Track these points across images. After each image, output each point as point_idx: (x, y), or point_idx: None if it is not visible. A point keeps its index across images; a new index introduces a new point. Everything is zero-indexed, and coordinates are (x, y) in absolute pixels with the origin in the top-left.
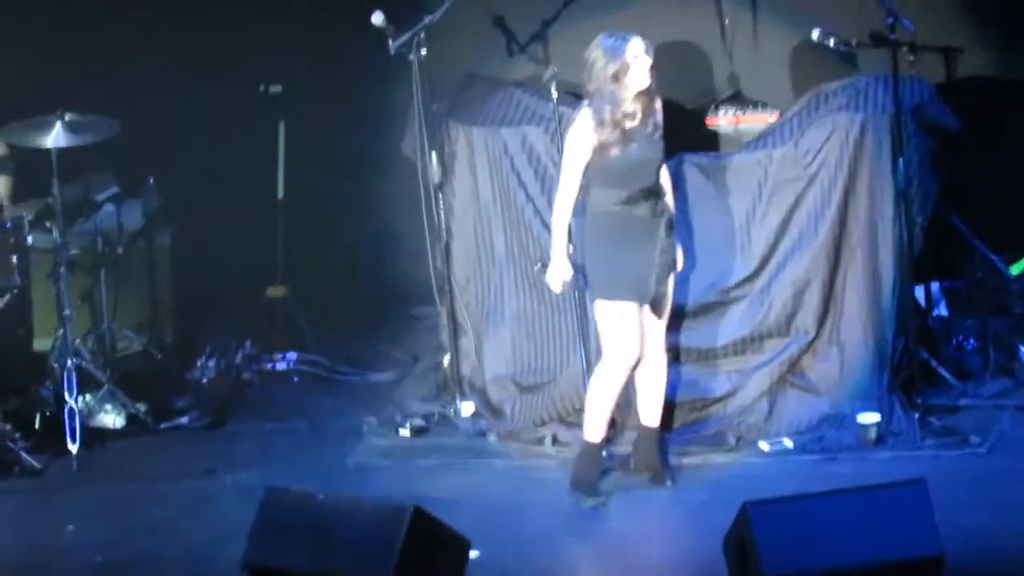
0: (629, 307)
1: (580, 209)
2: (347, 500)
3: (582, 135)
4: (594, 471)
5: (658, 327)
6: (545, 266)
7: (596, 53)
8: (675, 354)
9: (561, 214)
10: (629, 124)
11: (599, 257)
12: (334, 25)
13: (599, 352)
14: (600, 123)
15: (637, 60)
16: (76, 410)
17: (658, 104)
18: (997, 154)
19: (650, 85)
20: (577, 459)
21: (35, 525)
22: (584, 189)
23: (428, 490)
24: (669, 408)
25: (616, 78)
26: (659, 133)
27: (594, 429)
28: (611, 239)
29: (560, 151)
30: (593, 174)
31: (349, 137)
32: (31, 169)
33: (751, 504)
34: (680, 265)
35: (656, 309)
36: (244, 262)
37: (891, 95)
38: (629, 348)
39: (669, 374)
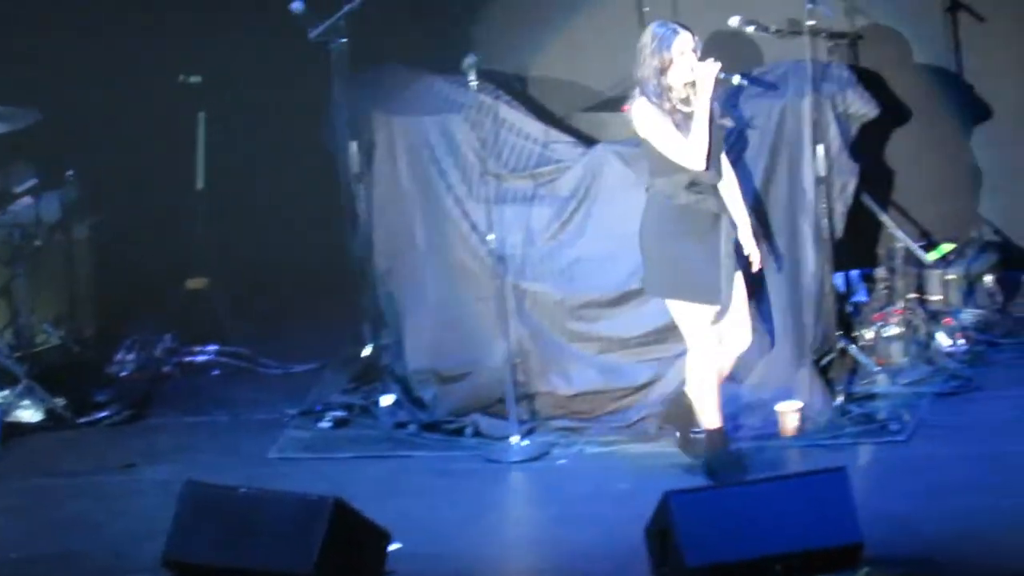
0: (700, 306)
1: (652, 197)
2: (268, 493)
3: (651, 111)
4: (725, 451)
5: (737, 321)
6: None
7: (645, 41)
8: (596, 343)
9: (697, 142)
10: (685, 108)
11: (663, 253)
12: (254, 14)
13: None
14: (659, 108)
15: (683, 56)
16: None
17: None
18: (918, 140)
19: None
20: (707, 448)
21: None
22: (652, 176)
23: (349, 482)
24: (591, 396)
25: (661, 71)
26: (719, 119)
27: (710, 416)
28: (676, 233)
29: (478, 139)
30: (656, 161)
31: (269, 127)
32: None
33: (672, 493)
34: (756, 264)
35: (724, 307)
36: (164, 254)
37: (810, 81)
38: (708, 340)
39: (590, 364)
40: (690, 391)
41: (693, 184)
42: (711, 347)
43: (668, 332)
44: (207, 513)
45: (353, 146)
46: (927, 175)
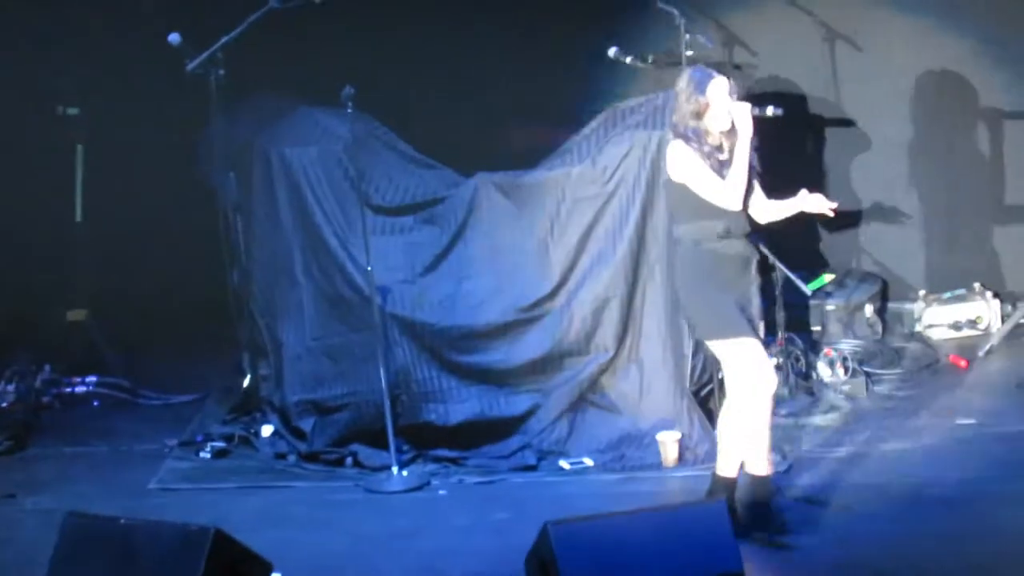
0: (746, 341)
1: (675, 243)
2: (148, 524)
3: (690, 156)
4: (768, 502)
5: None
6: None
7: (681, 85)
8: (476, 374)
9: (734, 183)
10: (720, 157)
11: (701, 298)
12: (131, 45)
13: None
14: (698, 151)
15: (718, 101)
16: None
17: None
18: (797, 171)
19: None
20: (750, 495)
21: None
22: (677, 222)
23: (230, 512)
24: (470, 427)
25: (697, 115)
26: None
27: (727, 465)
28: (710, 278)
29: (356, 170)
30: (686, 205)
31: (147, 158)
32: None
33: (552, 523)
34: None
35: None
36: (43, 285)
37: None
38: (762, 379)
39: (469, 394)
40: (722, 436)
41: (724, 231)
42: (762, 387)
43: (547, 363)
44: (88, 544)
45: (231, 177)
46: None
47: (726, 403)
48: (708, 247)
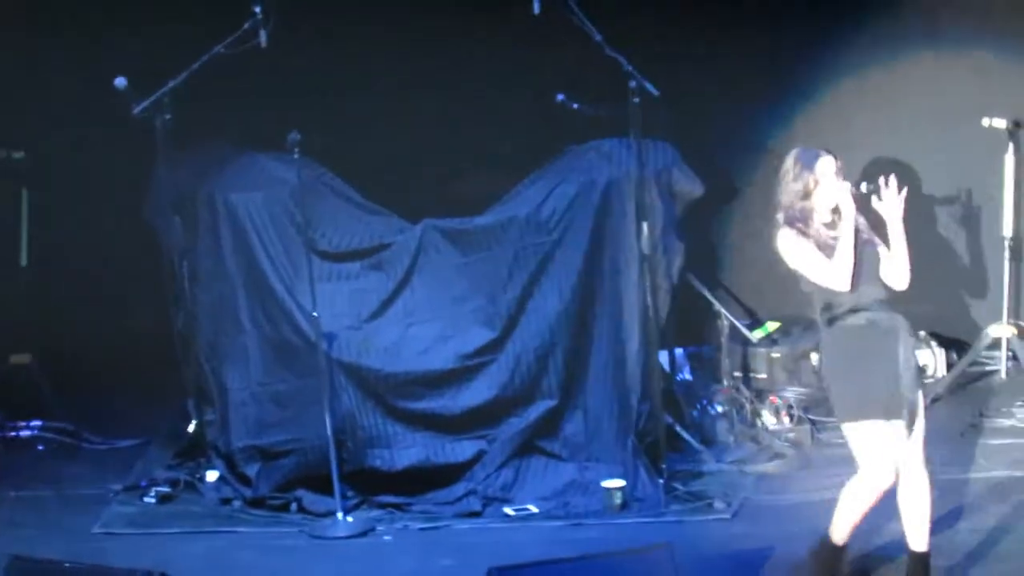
0: (877, 425)
1: (822, 327)
2: (93, 568)
3: (796, 242)
4: (834, 571)
5: (915, 441)
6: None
7: (787, 166)
8: (421, 420)
9: (841, 262)
10: (832, 233)
11: (840, 376)
12: (77, 89)
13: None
14: (802, 233)
15: (825, 178)
16: None
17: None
18: (742, 219)
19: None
20: (821, 555)
21: None
22: (818, 306)
23: (174, 558)
24: (416, 473)
25: (805, 194)
26: (868, 236)
27: (840, 531)
28: (850, 355)
29: (302, 216)
30: (817, 291)
31: (93, 203)
32: None
33: (496, 569)
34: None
35: (908, 421)
36: None
37: (635, 158)
38: (885, 468)
39: (415, 441)
40: (842, 503)
41: (852, 306)
42: (885, 478)
43: (492, 409)
44: None
45: (177, 222)
46: (752, 254)
47: (856, 477)
48: (849, 323)
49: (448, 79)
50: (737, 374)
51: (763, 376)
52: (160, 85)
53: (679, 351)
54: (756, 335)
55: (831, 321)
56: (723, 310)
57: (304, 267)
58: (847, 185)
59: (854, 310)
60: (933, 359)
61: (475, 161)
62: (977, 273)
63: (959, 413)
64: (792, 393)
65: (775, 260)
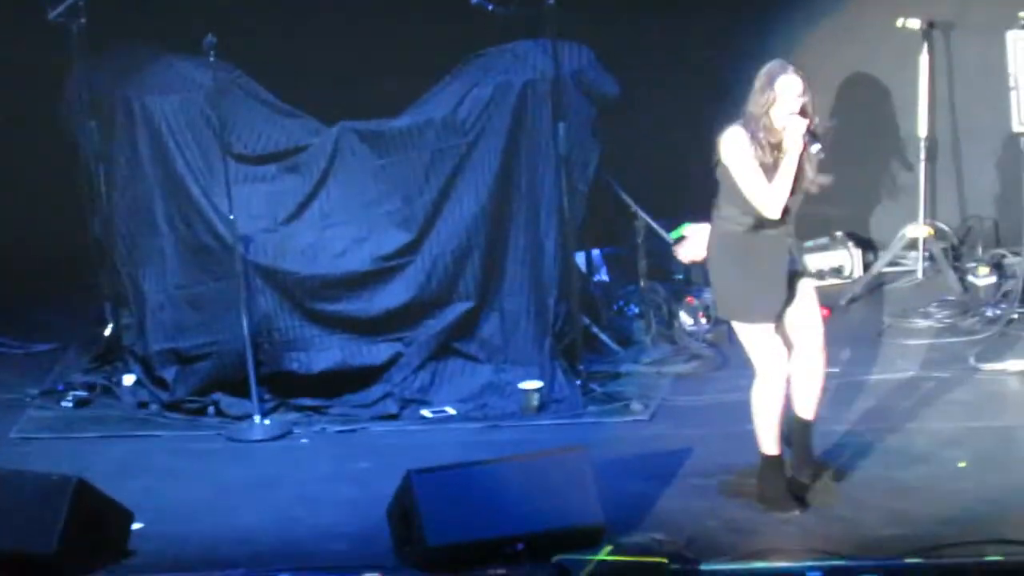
0: (768, 328)
1: (715, 218)
2: (9, 473)
3: (742, 146)
4: (780, 484)
5: (813, 322)
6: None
7: (759, 75)
8: (338, 323)
9: (778, 193)
10: (777, 155)
11: (728, 279)
12: None
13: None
14: (754, 143)
15: (783, 95)
16: None
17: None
18: (659, 118)
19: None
20: (759, 476)
21: None
22: (720, 200)
23: (92, 462)
24: (333, 376)
25: (765, 107)
26: (808, 176)
27: (767, 442)
28: (739, 261)
29: (218, 119)
30: (731, 193)
31: (7, 106)
32: None
33: (414, 472)
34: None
35: (797, 311)
36: None
37: (551, 60)
38: (776, 363)
39: (331, 343)
40: (754, 414)
41: (758, 222)
42: (778, 370)
43: (409, 312)
44: None
45: (93, 126)
46: (668, 154)
47: (756, 381)
48: (739, 231)
49: None
50: (653, 275)
51: (679, 277)
52: None
53: (596, 252)
54: (672, 236)
55: (733, 226)
56: (639, 211)
57: (220, 170)
58: (804, 123)
59: (752, 224)
60: (850, 260)
61: (390, 63)
62: (893, 174)
63: (876, 314)
64: (709, 293)
65: (691, 160)
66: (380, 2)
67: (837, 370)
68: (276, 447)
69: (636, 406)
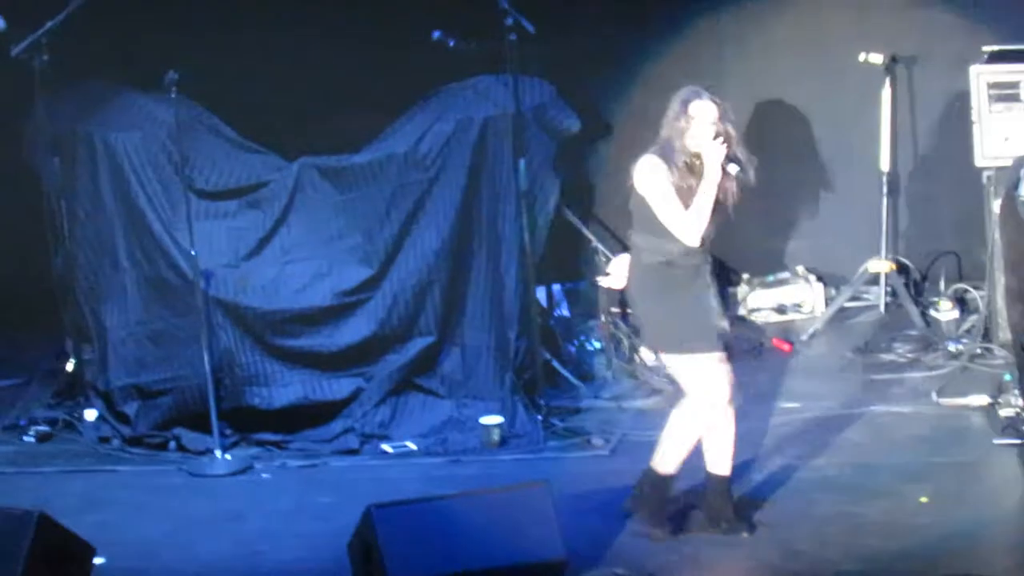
0: (710, 357)
1: (633, 249)
2: None
3: (659, 174)
4: (661, 503)
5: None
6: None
7: (673, 100)
8: (299, 358)
9: (697, 220)
10: (691, 182)
11: (660, 312)
12: None
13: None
14: (670, 167)
15: (699, 120)
16: None
17: (731, 170)
18: (618, 153)
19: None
20: (645, 488)
21: None
22: (636, 230)
23: (53, 496)
24: (294, 410)
25: (681, 133)
26: (730, 199)
27: (668, 462)
28: (663, 292)
29: (179, 154)
30: (647, 223)
31: None
32: None
33: (375, 507)
34: None
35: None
36: None
37: (512, 95)
38: (721, 397)
39: (292, 378)
40: (670, 433)
41: (680, 250)
42: (717, 401)
43: (370, 346)
44: None
45: (55, 162)
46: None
47: (681, 405)
48: (660, 260)
49: (324, 17)
50: (614, 309)
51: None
52: (39, 25)
53: (556, 287)
54: None
55: (643, 252)
56: (599, 245)
57: (182, 206)
58: (721, 149)
59: (675, 254)
60: (811, 294)
61: (351, 99)
62: (855, 208)
63: (838, 348)
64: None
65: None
66: (342, 39)
67: (798, 405)
68: (237, 482)
69: (597, 441)
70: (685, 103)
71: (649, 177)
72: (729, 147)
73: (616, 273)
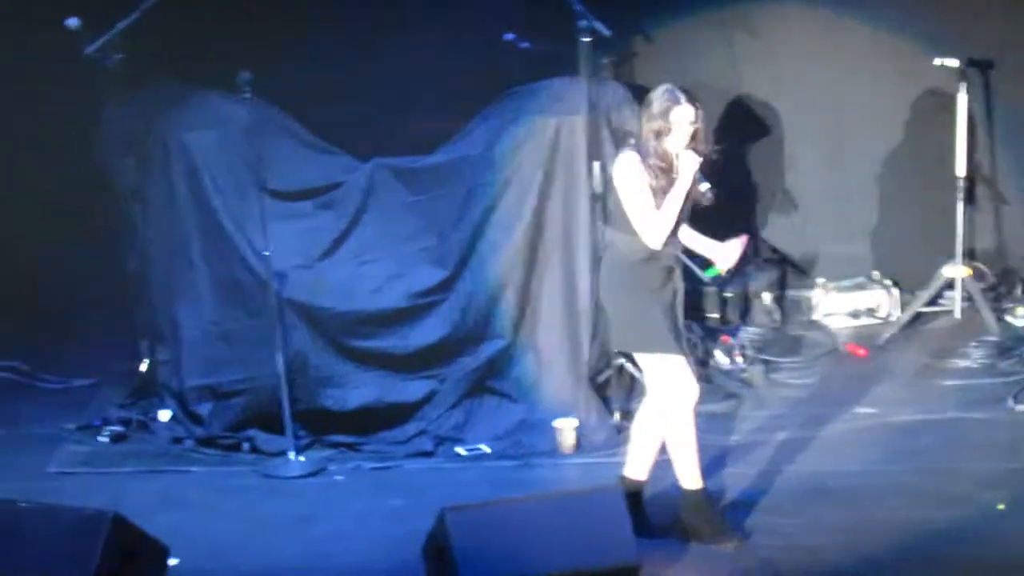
0: (676, 358)
1: (606, 246)
2: (46, 507)
3: (635, 172)
4: (710, 516)
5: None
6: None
7: (651, 101)
8: (373, 359)
9: (663, 222)
10: (665, 183)
11: (630, 311)
12: (28, 28)
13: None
14: (646, 167)
15: (679, 126)
16: None
17: (702, 188)
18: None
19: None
20: (689, 513)
21: None
22: (612, 226)
23: (127, 497)
24: (368, 412)
25: (658, 135)
26: (706, 196)
27: (689, 476)
28: (631, 289)
29: (254, 155)
30: (620, 220)
31: (45, 141)
32: None
33: (449, 509)
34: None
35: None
36: None
37: (586, 98)
38: (686, 392)
39: (367, 380)
40: (670, 449)
41: (654, 256)
42: (684, 399)
43: (444, 349)
44: None
45: (129, 162)
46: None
47: (644, 408)
48: (637, 258)
49: (398, 19)
50: (689, 314)
51: (715, 315)
52: (112, 25)
53: None
54: (707, 274)
55: (627, 253)
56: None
57: (256, 206)
58: (695, 160)
59: (648, 253)
60: (887, 300)
61: (426, 100)
62: (931, 213)
63: (913, 354)
64: (745, 332)
65: (729, 198)
66: (415, 39)
67: (874, 410)
68: (310, 484)
69: None
70: (665, 109)
71: (626, 174)
72: (704, 157)
73: (729, 256)
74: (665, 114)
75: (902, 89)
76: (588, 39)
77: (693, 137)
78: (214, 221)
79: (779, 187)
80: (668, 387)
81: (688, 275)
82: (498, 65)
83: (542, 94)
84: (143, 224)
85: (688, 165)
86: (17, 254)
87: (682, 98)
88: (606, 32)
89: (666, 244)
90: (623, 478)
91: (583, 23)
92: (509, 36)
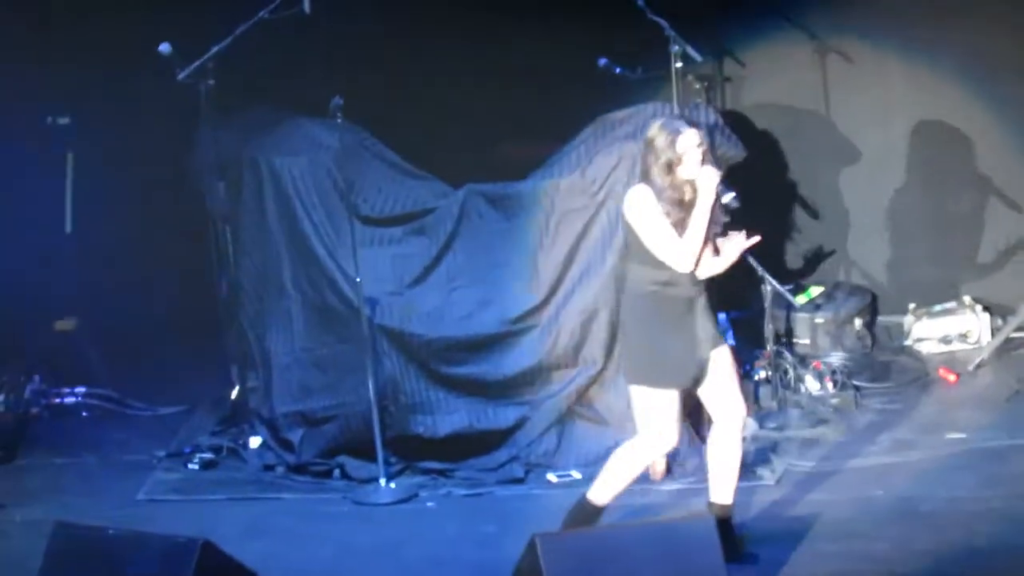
0: (669, 394)
1: (620, 286)
2: (136, 534)
3: (649, 203)
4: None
5: (731, 392)
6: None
7: (651, 139)
8: (464, 386)
9: (691, 244)
10: (681, 214)
11: (638, 341)
12: (122, 54)
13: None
14: (661, 201)
15: (688, 154)
16: None
17: (725, 199)
18: (786, 182)
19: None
20: (573, 513)
21: None
22: (627, 259)
23: (217, 524)
24: (459, 439)
25: (670, 167)
26: (731, 206)
27: (603, 493)
28: (651, 323)
29: (344, 180)
30: (638, 251)
31: (137, 168)
32: None
33: (540, 536)
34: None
35: (701, 379)
36: (33, 296)
37: None
38: (666, 435)
39: (457, 406)
40: (612, 465)
41: (669, 279)
42: (664, 444)
43: (535, 375)
44: (76, 554)
45: (220, 187)
46: (796, 217)
47: (712, 433)
48: (652, 290)
49: (491, 45)
50: (780, 339)
51: (806, 341)
52: (204, 50)
53: (722, 316)
54: (799, 300)
55: (642, 285)
56: (767, 275)
57: (346, 232)
58: (716, 173)
59: (663, 281)
60: (978, 324)
61: (517, 126)
62: (1022, 237)
63: (1003, 379)
64: (835, 358)
65: (819, 223)
66: (506, 64)
67: (964, 436)
68: (402, 510)
69: (762, 471)
70: (670, 141)
71: (641, 206)
72: (722, 171)
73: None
74: (672, 146)
75: (995, 111)
76: (681, 64)
77: (703, 157)
78: (305, 246)
79: (870, 212)
80: (656, 424)
81: (779, 300)
82: (591, 90)
83: (635, 119)
84: (234, 249)
85: (708, 180)
86: (110, 280)
87: (681, 126)
88: (698, 57)
89: (685, 280)
90: (711, 504)
91: (676, 48)
92: (603, 61)
